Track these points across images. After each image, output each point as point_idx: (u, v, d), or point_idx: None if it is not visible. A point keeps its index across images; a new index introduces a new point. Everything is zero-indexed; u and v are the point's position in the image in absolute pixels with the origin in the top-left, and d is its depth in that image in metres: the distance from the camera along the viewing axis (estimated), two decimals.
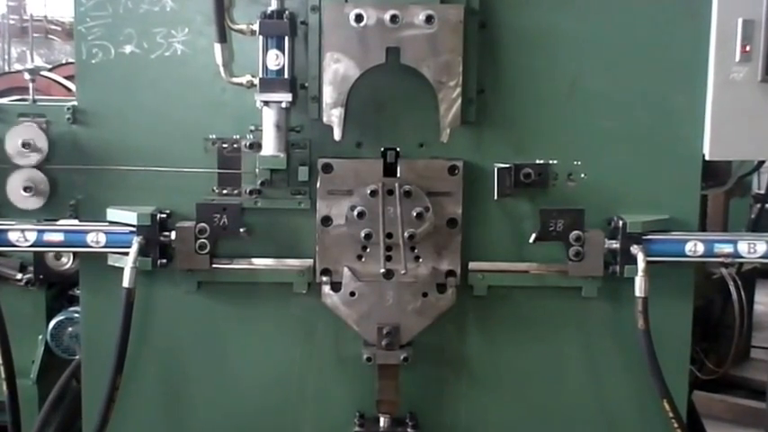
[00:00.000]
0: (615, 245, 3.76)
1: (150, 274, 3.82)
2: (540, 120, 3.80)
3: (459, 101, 3.60)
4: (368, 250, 3.73)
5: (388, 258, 3.67)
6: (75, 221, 3.82)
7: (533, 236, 3.75)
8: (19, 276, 4.68)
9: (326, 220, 3.75)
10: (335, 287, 3.74)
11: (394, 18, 3.52)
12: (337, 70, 3.56)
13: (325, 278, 3.74)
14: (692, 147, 3.79)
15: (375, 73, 3.60)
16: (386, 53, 3.56)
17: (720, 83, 3.70)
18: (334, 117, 3.59)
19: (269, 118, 3.62)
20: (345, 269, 3.72)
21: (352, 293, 3.72)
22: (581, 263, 3.77)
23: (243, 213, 3.79)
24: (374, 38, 3.55)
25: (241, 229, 3.75)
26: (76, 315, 4.60)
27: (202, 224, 3.75)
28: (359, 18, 3.53)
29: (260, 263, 3.87)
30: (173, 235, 3.76)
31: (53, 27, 22.46)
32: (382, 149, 3.77)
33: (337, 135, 3.60)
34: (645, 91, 3.78)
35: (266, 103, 3.60)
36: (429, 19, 3.53)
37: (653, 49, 3.76)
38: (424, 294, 3.72)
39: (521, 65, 3.77)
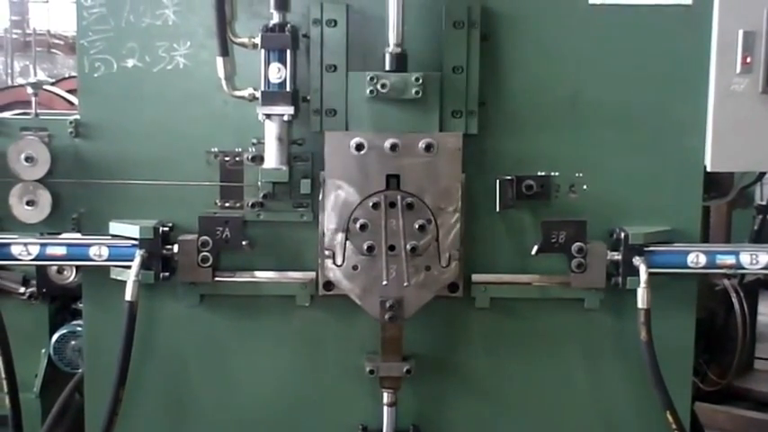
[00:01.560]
0: (617, 256, 3.76)
1: (153, 288, 3.82)
2: (542, 131, 3.81)
3: (458, 226, 3.65)
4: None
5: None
6: (78, 235, 3.82)
7: (535, 248, 3.75)
8: (22, 290, 4.67)
9: None
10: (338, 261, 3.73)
11: (394, 147, 3.58)
12: (338, 196, 3.63)
13: (327, 251, 3.72)
14: (694, 158, 3.79)
15: None
16: (386, 180, 3.62)
17: (721, 94, 3.70)
18: (336, 242, 3.64)
19: (271, 131, 3.63)
20: (348, 243, 3.70)
21: (355, 267, 3.71)
22: (583, 274, 3.77)
23: (245, 226, 3.79)
24: (374, 165, 3.62)
25: (243, 242, 3.75)
26: (79, 329, 4.59)
27: (205, 237, 3.76)
28: (359, 146, 3.59)
29: (262, 276, 3.88)
30: (175, 248, 3.76)
31: (56, 41, 22.53)
32: None
33: (339, 261, 3.64)
34: (646, 102, 3.79)
35: (268, 116, 3.61)
36: (428, 147, 3.59)
37: (654, 61, 3.76)
38: (427, 268, 3.71)
39: (522, 77, 3.77)
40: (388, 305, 3.67)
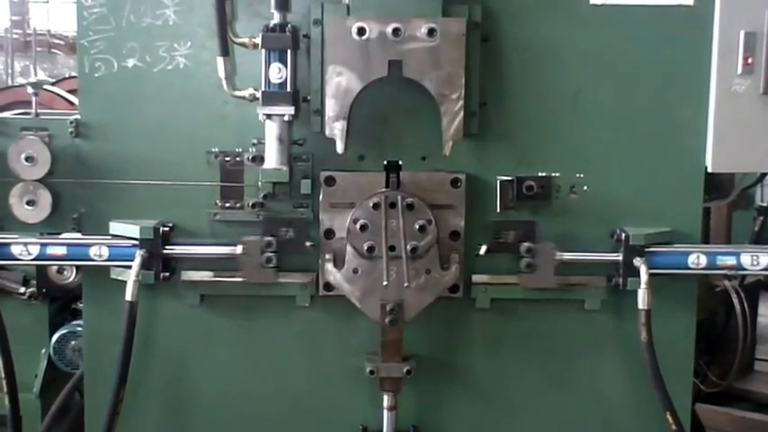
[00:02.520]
0: (618, 257, 3.76)
1: (153, 288, 3.82)
2: (543, 132, 3.80)
3: (462, 114, 3.60)
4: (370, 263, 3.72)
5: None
6: (78, 235, 3.82)
7: (483, 248, 3.73)
8: (22, 290, 4.68)
9: (329, 233, 3.74)
10: (338, 265, 3.73)
11: (396, 31, 3.53)
12: (340, 83, 3.57)
13: (327, 255, 3.72)
14: (695, 159, 3.79)
15: (377, 86, 3.60)
16: (388, 66, 3.57)
17: (722, 95, 3.70)
18: (336, 130, 3.59)
19: (271, 131, 3.63)
20: (348, 246, 3.69)
21: (355, 270, 3.71)
22: (533, 275, 3.77)
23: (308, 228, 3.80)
24: (376, 51, 3.56)
25: (307, 243, 3.76)
26: (79, 329, 4.60)
27: (269, 238, 3.76)
28: (361, 31, 3.53)
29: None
30: (175, 248, 3.77)
31: (56, 41, 22.55)
32: (385, 162, 3.78)
33: (340, 148, 3.60)
34: (647, 103, 3.78)
35: (269, 116, 3.60)
36: (431, 32, 3.54)
37: (655, 62, 3.76)
38: (428, 271, 3.71)
39: (523, 78, 3.77)
40: (388, 308, 3.67)
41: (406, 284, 3.56)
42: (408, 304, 3.68)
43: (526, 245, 3.76)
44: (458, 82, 3.59)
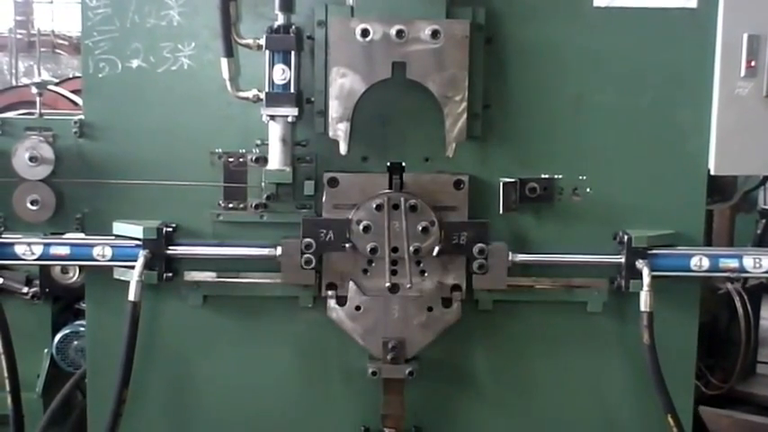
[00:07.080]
0: (620, 259, 3.76)
1: (156, 288, 3.82)
2: (546, 134, 3.81)
3: (465, 115, 3.60)
4: (373, 264, 3.73)
5: (394, 273, 3.67)
6: (82, 235, 3.82)
7: (436, 249, 3.71)
8: (25, 290, 4.69)
9: None
10: (341, 301, 3.74)
11: (400, 33, 3.54)
12: (343, 85, 3.57)
13: (330, 292, 3.74)
14: (698, 161, 3.80)
15: (381, 87, 3.60)
16: (392, 68, 3.57)
17: (726, 98, 3.71)
18: (339, 131, 3.59)
19: (275, 132, 3.63)
20: (351, 283, 3.71)
21: (358, 308, 3.72)
22: (485, 276, 3.75)
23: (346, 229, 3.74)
24: (380, 52, 3.56)
25: (346, 245, 3.71)
26: (82, 329, 4.61)
27: (308, 239, 3.72)
28: (365, 33, 3.54)
29: (266, 277, 3.87)
30: (178, 249, 3.77)
31: (60, 41, 22.56)
32: (388, 164, 3.78)
33: (343, 149, 3.61)
34: (650, 106, 3.79)
35: (272, 117, 3.61)
36: (435, 34, 3.54)
37: (658, 64, 3.76)
38: (429, 309, 3.72)
39: (527, 80, 3.78)
40: (390, 346, 3.69)
41: (408, 286, 3.57)
42: (410, 342, 3.71)
43: (479, 246, 3.73)
44: (461, 84, 3.59)
